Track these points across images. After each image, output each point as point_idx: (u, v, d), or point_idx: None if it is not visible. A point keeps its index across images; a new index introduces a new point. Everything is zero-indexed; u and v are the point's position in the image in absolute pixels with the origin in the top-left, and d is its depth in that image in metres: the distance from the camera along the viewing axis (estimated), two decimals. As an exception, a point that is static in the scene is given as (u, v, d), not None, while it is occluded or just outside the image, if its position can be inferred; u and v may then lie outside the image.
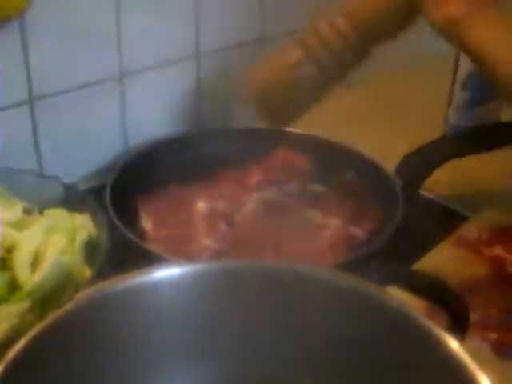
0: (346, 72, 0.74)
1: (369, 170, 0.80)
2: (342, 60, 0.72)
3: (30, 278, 0.59)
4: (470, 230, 0.76)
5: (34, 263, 0.61)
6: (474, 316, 0.53)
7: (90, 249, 0.65)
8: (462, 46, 0.63)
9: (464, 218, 0.79)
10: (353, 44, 0.71)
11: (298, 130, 0.85)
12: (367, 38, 0.71)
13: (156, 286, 0.47)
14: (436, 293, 0.52)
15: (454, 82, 0.93)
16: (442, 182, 0.80)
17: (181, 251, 0.71)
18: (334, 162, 0.83)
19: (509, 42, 0.61)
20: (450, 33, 0.63)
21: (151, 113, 0.90)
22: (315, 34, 0.72)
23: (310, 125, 0.83)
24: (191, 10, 0.88)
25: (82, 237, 0.65)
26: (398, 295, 0.48)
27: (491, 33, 0.62)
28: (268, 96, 0.77)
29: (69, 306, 0.44)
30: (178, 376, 0.48)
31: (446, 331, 0.42)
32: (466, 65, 0.90)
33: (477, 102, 0.93)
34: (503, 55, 0.60)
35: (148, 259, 0.65)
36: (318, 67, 0.72)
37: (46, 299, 0.59)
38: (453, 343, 0.41)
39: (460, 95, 0.93)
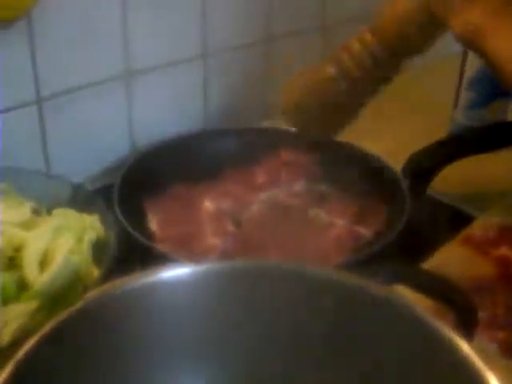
0: (378, 87, 0.75)
1: (375, 169, 0.80)
2: (371, 76, 0.72)
3: (38, 278, 0.59)
4: (477, 229, 0.76)
5: (43, 263, 0.61)
6: (481, 316, 0.53)
7: (98, 249, 0.66)
8: (485, 56, 0.62)
9: (471, 218, 0.79)
10: (381, 60, 0.71)
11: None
12: (395, 54, 0.71)
13: (164, 286, 0.47)
14: (443, 292, 0.52)
15: (460, 82, 0.93)
16: (448, 181, 0.80)
17: (188, 251, 0.71)
18: (340, 162, 0.83)
19: None
20: (474, 43, 0.62)
21: (158, 112, 0.90)
22: (347, 51, 0.72)
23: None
24: (198, 10, 0.88)
25: (90, 237, 0.65)
26: (405, 295, 0.48)
27: None
28: (302, 109, 0.78)
29: (77, 305, 0.44)
30: (187, 376, 0.49)
31: (453, 331, 0.42)
32: (472, 65, 0.90)
33: (483, 101, 0.93)
34: None
35: (155, 259, 0.65)
36: (350, 83, 0.73)
37: (55, 299, 0.59)
38: (461, 343, 0.41)
39: (466, 95, 0.93)
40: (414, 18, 0.68)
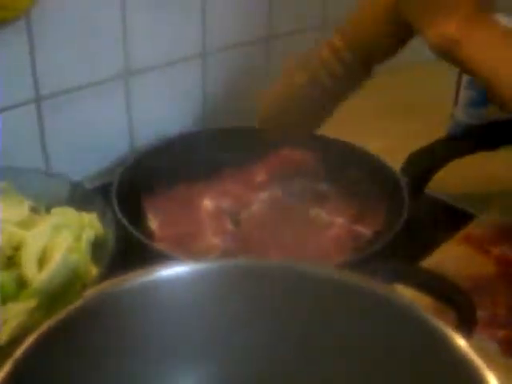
0: (351, 91, 0.74)
1: (374, 168, 0.80)
2: (342, 81, 0.72)
3: (37, 276, 0.59)
4: (477, 228, 0.76)
5: (42, 261, 0.61)
6: (480, 314, 0.53)
7: (97, 247, 0.66)
8: (464, 66, 0.62)
9: (470, 217, 0.79)
10: (351, 66, 0.70)
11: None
12: (365, 60, 0.71)
13: (163, 284, 0.47)
14: (443, 291, 0.52)
15: (459, 81, 0.93)
16: (448, 180, 0.80)
17: (187, 250, 0.71)
18: (340, 161, 0.83)
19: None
20: (450, 54, 0.61)
21: (157, 111, 0.90)
22: (317, 57, 0.72)
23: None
24: (197, 9, 0.88)
25: (88, 235, 0.65)
26: (404, 293, 0.48)
27: (493, 52, 0.60)
28: (279, 120, 0.78)
29: (76, 304, 0.44)
30: (186, 374, 0.48)
31: (453, 329, 0.42)
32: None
33: (483, 100, 0.93)
34: (508, 76, 0.59)
35: (154, 258, 0.65)
36: (322, 90, 0.73)
37: (54, 297, 0.59)
38: (460, 341, 0.41)
39: (466, 94, 0.93)
40: (384, 23, 0.67)
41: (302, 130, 0.80)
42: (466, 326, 0.49)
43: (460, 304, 0.51)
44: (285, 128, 0.79)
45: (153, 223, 0.75)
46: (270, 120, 0.79)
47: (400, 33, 0.67)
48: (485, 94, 0.92)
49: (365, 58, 0.70)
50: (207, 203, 0.78)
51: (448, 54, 0.61)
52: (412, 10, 0.63)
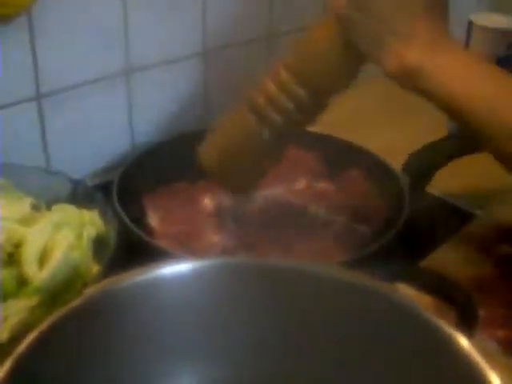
0: (304, 125, 0.68)
1: (375, 168, 0.80)
2: (293, 117, 0.65)
3: (37, 274, 0.59)
4: (477, 227, 0.76)
5: (42, 259, 0.61)
6: (481, 313, 0.53)
7: (98, 245, 0.65)
8: (428, 95, 0.57)
9: (471, 216, 0.79)
10: (301, 101, 0.64)
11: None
12: (315, 93, 0.64)
13: (163, 282, 0.47)
14: (443, 290, 0.52)
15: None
16: (448, 179, 0.80)
17: (188, 248, 0.71)
18: (341, 160, 0.83)
19: (480, 86, 0.56)
20: (412, 83, 0.57)
21: (158, 109, 0.90)
22: (263, 94, 0.65)
23: (316, 123, 0.82)
24: (199, 8, 0.88)
25: (89, 233, 0.65)
26: (405, 292, 0.48)
27: (459, 80, 0.56)
28: (228, 170, 0.71)
29: (77, 301, 0.44)
30: (186, 371, 0.48)
31: (454, 328, 0.42)
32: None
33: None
34: (478, 104, 0.55)
35: (155, 255, 0.65)
36: (272, 129, 0.66)
37: (55, 295, 0.59)
38: (462, 340, 0.41)
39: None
40: (333, 51, 0.62)
41: (250, 178, 0.73)
42: (467, 325, 0.49)
43: (460, 303, 0.51)
44: (233, 178, 0.72)
45: (153, 221, 0.75)
46: (218, 172, 0.72)
47: (351, 61, 0.62)
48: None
49: (314, 91, 0.64)
50: (208, 201, 0.78)
51: (410, 84, 0.58)
52: (365, 38, 0.59)
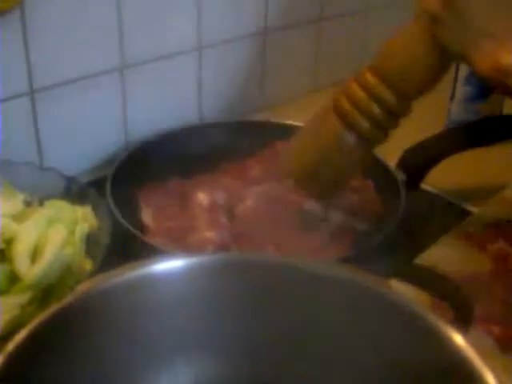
0: (388, 132, 0.68)
1: (371, 163, 0.80)
2: (380, 122, 0.65)
3: (29, 270, 0.59)
4: (473, 224, 0.76)
5: (34, 255, 0.60)
6: (477, 310, 0.53)
7: (91, 241, 0.65)
8: None
9: (467, 212, 0.79)
10: (390, 105, 0.64)
11: (299, 124, 0.85)
12: (404, 96, 0.64)
13: (157, 278, 0.47)
14: (439, 287, 0.52)
15: (456, 76, 0.93)
16: (444, 175, 0.80)
17: (181, 244, 0.70)
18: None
19: None
20: (506, 85, 0.56)
21: (152, 105, 0.89)
22: (350, 99, 0.65)
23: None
24: (193, 3, 0.87)
25: (82, 229, 0.65)
26: (400, 289, 0.48)
27: None
28: (313, 176, 0.71)
29: (69, 298, 0.44)
30: (180, 368, 0.48)
31: (450, 325, 0.42)
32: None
33: (479, 95, 0.93)
34: None
35: (149, 252, 0.65)
36: (359, 134, 0.66)
37: (47, 291, 0.59)
38: (457, 337, 0.41)
39: (462, 89, 0.93)
40: (423, 52, 0.61)
41: (335, 186, 0.73)
42: (463, 321, 0.49)
43: (456, 300, 0.51)
44: (317, 184, 0.71)
45: (147, 217, 0.75)
46: (302, 175, 0.72)
47: (437, 63, 0.62)
48: (481, 89, 0.92)
49: (402, 93, 0.64)
50: (202, 197, 0.77)
51: (501, 83, 0.57)
52: (456, 38, 0.58)
